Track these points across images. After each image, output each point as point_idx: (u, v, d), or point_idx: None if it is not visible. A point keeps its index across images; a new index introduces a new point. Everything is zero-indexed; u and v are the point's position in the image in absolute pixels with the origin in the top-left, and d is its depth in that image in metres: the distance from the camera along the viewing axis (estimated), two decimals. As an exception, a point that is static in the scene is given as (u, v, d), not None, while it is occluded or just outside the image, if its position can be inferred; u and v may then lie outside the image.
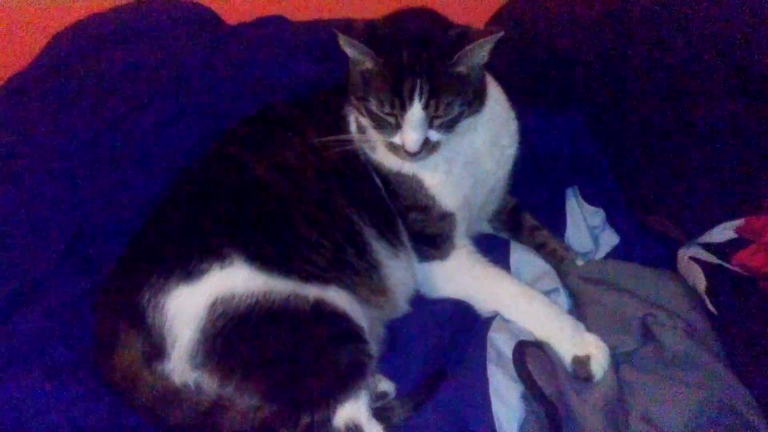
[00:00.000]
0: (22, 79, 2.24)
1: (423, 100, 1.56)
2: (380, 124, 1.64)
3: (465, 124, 1.68)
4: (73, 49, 2.33)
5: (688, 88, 2.27)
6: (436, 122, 1.61)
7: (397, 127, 1.61)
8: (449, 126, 1.63)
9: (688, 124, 2.19)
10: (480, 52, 1.62)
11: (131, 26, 2.42)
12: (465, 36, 1.59)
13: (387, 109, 1.59)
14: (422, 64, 1.56)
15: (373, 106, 1.61)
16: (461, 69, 1.61)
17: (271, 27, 2.51)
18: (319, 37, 2.36)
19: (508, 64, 2.36)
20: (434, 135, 1.63)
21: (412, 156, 1.62)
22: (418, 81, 1.55)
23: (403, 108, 1.57)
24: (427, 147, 1.62)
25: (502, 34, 1.60)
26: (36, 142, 2.02)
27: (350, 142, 1.76)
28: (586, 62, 2.41)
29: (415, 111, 1.57)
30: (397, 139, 1.63)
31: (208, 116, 2.11)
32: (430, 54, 1.57)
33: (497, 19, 2.71)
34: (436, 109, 1.58)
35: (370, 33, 1.60)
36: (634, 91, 2.30)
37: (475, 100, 1.68)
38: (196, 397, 1.47)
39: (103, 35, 2.37)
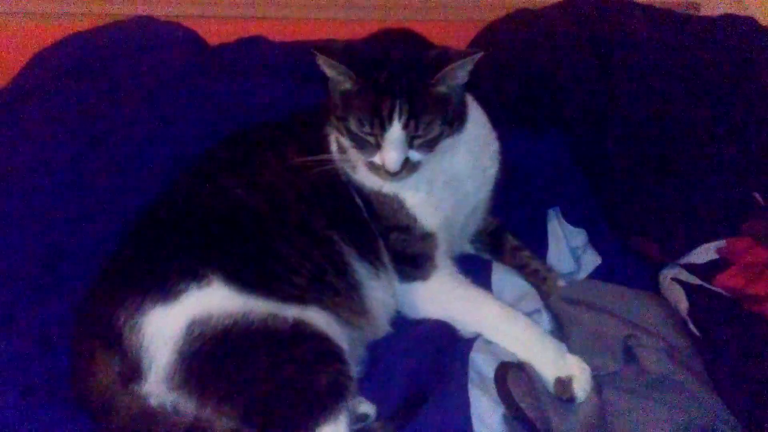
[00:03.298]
0: (2, 99, 2.23)
1: (402, 120, 1.55)
2: (360, 144, 1.63)
3: (445, 144, 1.68)
4: (55, 68, 2.32)
5: (669, 113, 2.28)
6: (417, 142, 1.60)
7: (377, 146, 1.60)
8: (429, 146, 1.63)
9: (668, 147, 2.20)
10: (460, 73, 1.62)
11: (113, 46, 2.41)
12: (445, 56, 1.59)
13: (366, 129, 1.59)
14: (402, 84, 1.55)
15: (353, 125, 1.60)
16: (441, 89, 1.61)
17: (252, 48, 2.51)
18: (300, 58, 2.36)
19: (490, 86, 2.37)
20: (414, 155, 1.62)
21: (393, 176, 1.61)
22: (398, 101, 1.54)
23: (383, 128, 1.57)
24: (408, 167, 1.62)
25: (482, 54, 1.61)
26: (14, 161, 2.00)
27: (330, 161, 1.75)
28: (568, 85, 2.42)
29: (395, 131, 1.56)
30: (377, 159, 1.62)
31: (189, 137, 2.10)
32: (410, 74, 1.57)
33: (478, 42, 2.71)
34: (416, 129, 1.58)
35: (349, 53, 1.60)
36: (615, 112, 2.31)
37: (456, 121, 1.67)
38: (173, 419, 1.44)
39: (84, 55, 2.36)
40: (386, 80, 1.56)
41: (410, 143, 1.60)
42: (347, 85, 1.61)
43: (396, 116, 1.55)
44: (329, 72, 1.63)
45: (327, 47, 1.61)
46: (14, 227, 1.84)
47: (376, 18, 2.82)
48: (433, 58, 1.60)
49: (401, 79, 1.56)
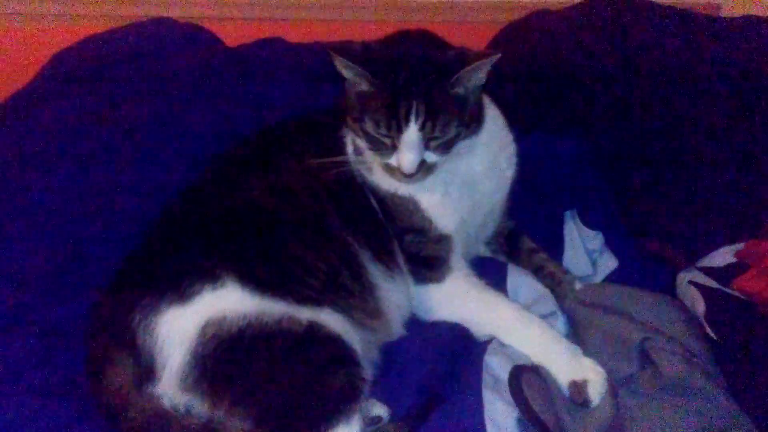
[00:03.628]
0: (21, 99, 2.24)
1: (419, 121, 1.55)
2: (376, 146, 1.63)
3: (462, 145, 1.67)
4: (73, 69, 2.32)
5: (690, 114, 2.28)
6: (433, 144, 1.60)
7: (393, 148, 1.60)
8: (446, 147, 1.62)
9: (688, 149, 2.18)
10: (478, 74, 1.62)
11: (130, 48, 2.41)
12: (463, 58, 1.59)
13: (383, 131, 1.58)
14: (419, 86, 1.55)
15: (369, 127, 1.60)
16: (459, 90, 1.60)
17: (270, 49, 2.51)
18: (317, 59, 2.35)
19: (508, 87, 2.37)
20: (431, 156, 1.62)
21: (409, 177, 1.61)
22: (414, 102, 1.54)
23: (399, 130, 1.56)
24: (424, 168, 1.61)
25: (499, 56, 1.60)
26: (33, 160, 2.01)
27: (346, 163, 1.75)
28: (587, 86, 2.41)
29: (411, 133, 1.56)
30: (393, 161, 1.61)
31: (206, 137, 2.11)
32: (427, 75, 1.57)
33: (496, 43, 2.71)
34: (433, 130, 1.57)
35: (366, 54, 1.60)
36: (634, 115, 2.31)
37: (472, 122, 1.67)
38: (186, 420, 1.44)
39: (102, 57, 2.37)
40: (403, 81, 1.56)
41: (427, 145, 1.59)
42: (364, 86, 1.61)
43: (413, 118, 1.55)
44: (346, 73, 1.63)
45: (344, 48, 1.61)
46: (30, 227, 1.85)
47: (394, 19, 2.82)
48: (450, 59, 1.59)
49: (418, 81, 1.56)
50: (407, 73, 1.57)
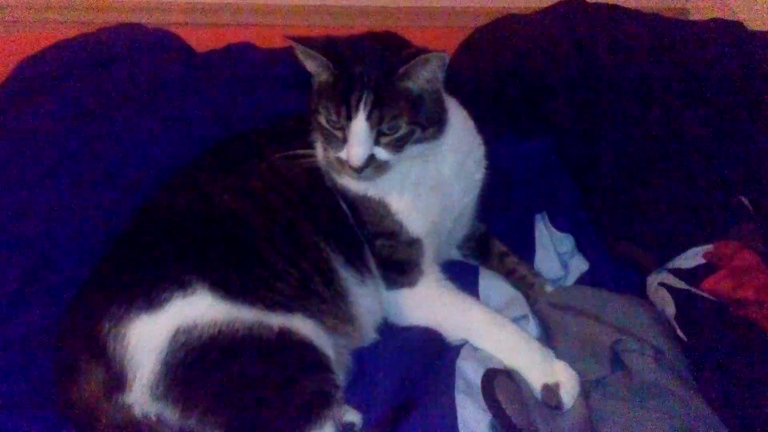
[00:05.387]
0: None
1: (366, 110, 1.56)
2: (329, 139, 1.64)
3: (423, 148, 1.67)
4: (40, 76, 2.30)
5: (657, 118, 2.29)
6: (383, 140, 1.60)
7: (345, 141, 1.60)
8: (397, 145, 1.62)
9: (657, 151, 2.20)
10: (425, 69, 1.61)
11: (99, 53, 2.40)
12: (413, 54, 1.59)
13: (334, 118, 1.59)
14: (371, 77, 1.56)
15: (323, 117, 1.62)
16: (408, 85, 1.61)
17: (240, 54, 2.51)
18: (287, 65, 2.35)
19: (476, 91, 2.37)
20: (381, 153, 1.62)
21: (357, 172, 1.61)
22: (365, 92, 1.55)
23: (349, 117, 1.57)
24: (373, 165, 1.61)
25: (446, 56, 1.61)
26: (-1, 169, 1.99)
27: (312, 156, 1.76)
28: (556, 90, 2.42)
29: (359, 122, 1.56)
30: (343, 154, 1.62)
31: (176, 144, 2.10)
32: (379, 68, 1.58)
33: (464, 46, 2.71)
34: (380, 122, 1.58)
35: (329, 46, 1.62)
36: (603, 118, 2.31)
37: (431, 125, 1.66)
38: (157, 429, 1.43)
39: (70, 62, 2.35)
40: (357, 73, 1.57)
41: (377, 141, 1.60)
42: (323, 76, 1.63)
43: (361, 107, 1.56)
44: (308, 64, 1.65)
45: (307, 39, 1.62)
46: (-2, 234, 1.83)
47: (365, 25, 2.81)
48: (403, 55, 1.60)
49: (371, 73, 1.57)
50: (362, 65, 1.58)
